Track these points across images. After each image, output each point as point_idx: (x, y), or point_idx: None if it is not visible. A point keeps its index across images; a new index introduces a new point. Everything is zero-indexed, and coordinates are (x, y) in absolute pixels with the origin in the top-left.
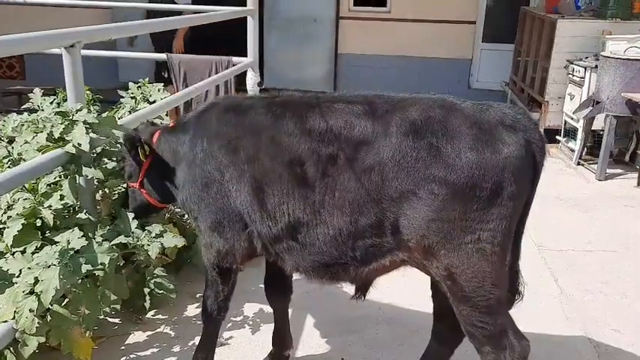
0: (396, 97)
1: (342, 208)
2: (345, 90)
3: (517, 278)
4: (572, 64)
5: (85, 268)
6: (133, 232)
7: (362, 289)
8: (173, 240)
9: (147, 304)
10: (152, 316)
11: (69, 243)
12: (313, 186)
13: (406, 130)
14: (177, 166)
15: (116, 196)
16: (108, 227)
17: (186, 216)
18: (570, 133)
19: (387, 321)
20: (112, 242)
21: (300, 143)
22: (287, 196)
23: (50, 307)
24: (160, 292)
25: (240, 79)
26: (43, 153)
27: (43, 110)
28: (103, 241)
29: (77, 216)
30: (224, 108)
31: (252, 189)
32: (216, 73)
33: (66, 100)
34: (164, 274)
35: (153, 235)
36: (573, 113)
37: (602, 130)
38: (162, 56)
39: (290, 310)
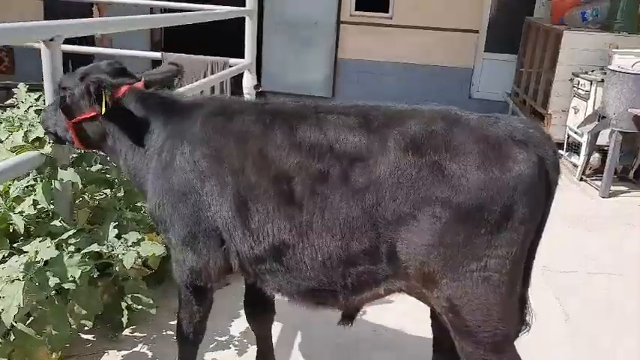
0: (394, 108)
1: (332, 230)
2: (341, 99)
3: (525, 307)
4: (577, 77)
5: (53, 281)
6: (108, 241)
7: (350, 316)
8: (151, 248)
9: (124, 320)
10: (129, 333)
11: (37, 254)
12: (301, 205)
13: (405, 146)
14: (140, 150)
15: (97, 202)
16: (83, 236)
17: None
18: (573, 148)
19: (382, 345)
20: (84, 251)
21: (289, 157)
22: (272, 215)
23: (14, 324)
24: (139, 307)
25: (237, 81)
26: (17, 154)
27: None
28: (74, 251)
29: (52, 223)
30: (211, 111)
31: (234, 204)
32: (212, 74)
33: None
34: (143, 287)
35: (129, 243)
36: (578, 127)
37: (607, 146)
38: (157, 55)
39: (277, 329)
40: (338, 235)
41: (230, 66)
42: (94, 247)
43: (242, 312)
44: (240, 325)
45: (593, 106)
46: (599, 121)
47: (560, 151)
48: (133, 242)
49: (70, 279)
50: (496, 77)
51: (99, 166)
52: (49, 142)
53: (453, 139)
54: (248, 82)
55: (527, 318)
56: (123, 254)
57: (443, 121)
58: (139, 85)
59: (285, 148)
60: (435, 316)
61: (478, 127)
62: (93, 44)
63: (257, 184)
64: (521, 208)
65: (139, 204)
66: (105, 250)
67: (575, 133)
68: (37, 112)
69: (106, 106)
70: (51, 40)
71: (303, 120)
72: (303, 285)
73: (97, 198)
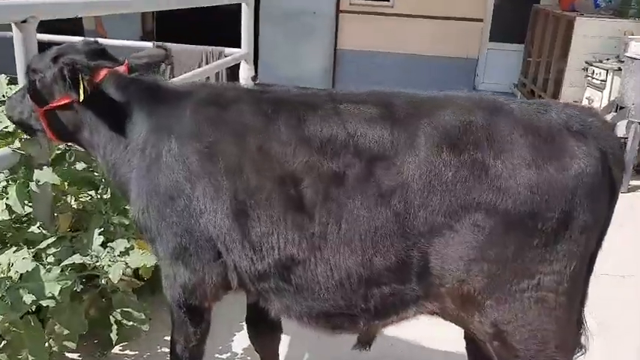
0: (421, 95)
1: (350, 244)
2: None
3: (581, 328)
4: (591, 65)
5: (28, 299)
6: (92, 250)
7: (367, 341)
8: (142, 259)
9: (113, 337)
10: (119, 351)
11: (11, 266)
12: (312, 213)
13: (439, 141)
14: (121, 144)
15: (81, 206)
16: (64, 245)
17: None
18: None
19: None
20: (65, 263)
21: (297, 155)
22: (277, 225)
23: None
24: (129, 322)
25: (233, 72)
26: None
27: None
28: (54, 262)
29: (30, 230)
30: (202, 100)
31: (231, 210)
32: (207, 64)
33: None
34: (134, 299)
35: (116, 253)
36: None
37: (624, 138)
38: (148, 45)
39: (284, 342)
40: (358, 249)
41: (226, 56)
42: (77, 259)
43: (245, 326)
44: (243, 340)
45: (609, 96)
46: (616, 112)
47: None
48: (120, 251)
49: (49, 295)
50: (502, 68)
51: (83, 165)
52: (23, 138)
53: (496, 131)
54: (245, 72)
55: (582, 340)
56: (109, 266)
57: (482, 111)
58: (121, 69)
59: (292, 145)
60: (471, 338)
61: (525, 116)
62: (83, 35)
63: (258, 188)
64: (581, 213)
65: (127, 207)
66: (89, 262)
67: None
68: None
69: (84, 92)
70: (24, 21)
71: (312, 110)
72: (316, 307)
73: (81, 200)
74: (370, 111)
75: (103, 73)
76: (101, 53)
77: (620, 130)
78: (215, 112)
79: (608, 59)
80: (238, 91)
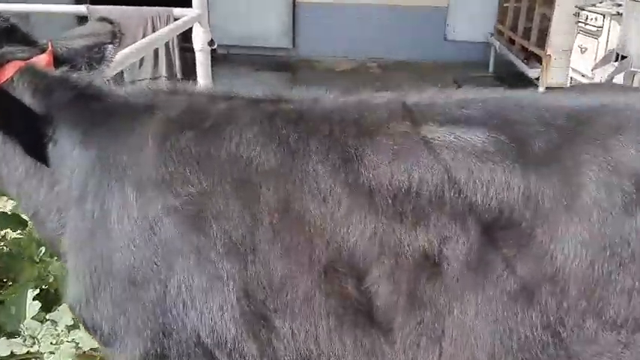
0: (563, 103)
1: None
2: (303, 49)
3: None
4: (584, 10)
5: None
6: (24, 325)
7: None
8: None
9: None
10: None
11: None
12: (388, 329)
13: (626, 198)
14: (44, 182)
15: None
16: None
17: None
18: None
19: None
20: None
21: (351, 221)
22: (324, 346)
23: None
24: None
25: (186, 37)
26: None
27: None
28: None
29: None
30: (174, 119)
31: (239, 312)
32: (154, 31)
33: None
34: None
35: (60, 328)
36: (592, 70)
37: None
38: (82, 9)
39: None
40: None
41: (176, 19)
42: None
43: None
44: None
45: (607, 44)
46: (617, 61)
47: None
48: (67, 325)
49: None
50: (475, 15)
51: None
52: None
53: None
54: (200, 37)
55: None
56: (51, 353)
57: None
58: (43, 60)
59: (339, 200)
60: None
61: None
62: None
63: (285, 279)
64: None
65: None
66: (18, 348)
67: (583, 76)
68: None
69: None
70: None
71: (369, 136)
72: None
73: (6, 243)
74: (481, 138)
75: (10, 68)
76: (9, 34)
77: (619, 81)
78: (197, 142)
79: (601, 2)
80: (232, 102)
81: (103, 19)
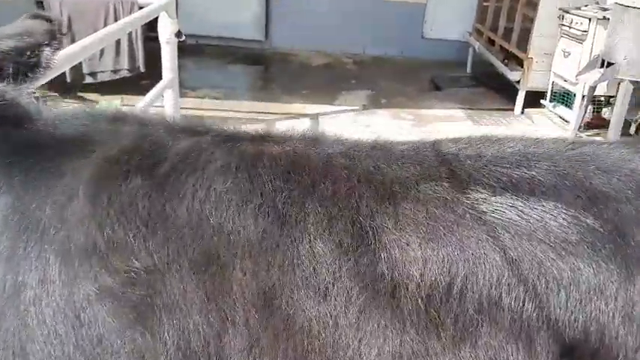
0: None
1: None
2: (276, 42)
3: None
4: (568, 13)
5: None
6: None
7: None
8: None
9: None
10: None
11: None
12: None
13: None
14: None
15: None
16: None
17: None
18: (559, 98)
19: None
20: None
21: (361, 330)
22: None
23: None
24: None
25: (151, 28)
26: None
27: None
28: None
29: None
30: (115, 159)
31: None
32: (115, 20)
33: None
34: None
35: None
36: (577, 76)
37: (602, 97)
38: None
39: None
40: None
41: (140, 7)
42: None
43: None
44: None
45: (592, 49)
46: (602, 67)
47: (542, 101)
48: None
49: None
50: (454, 13)
51: None
52: None
53: None
54: (166, 28)
55: None
56: None
57: None
58: None
59: (350, 299)
60: None
61: None
62: None
63: None
64: None
65: None
66: None
67: (566, 81)
68: None
69: None
70: None
71: (392, 202)
72: None
73: None
74: (557, 219)
75: None
76: None
77: (602, 88)
78: (146, 195)
79: (586, 5)
80: (199, 140)
81: (38, 16)
